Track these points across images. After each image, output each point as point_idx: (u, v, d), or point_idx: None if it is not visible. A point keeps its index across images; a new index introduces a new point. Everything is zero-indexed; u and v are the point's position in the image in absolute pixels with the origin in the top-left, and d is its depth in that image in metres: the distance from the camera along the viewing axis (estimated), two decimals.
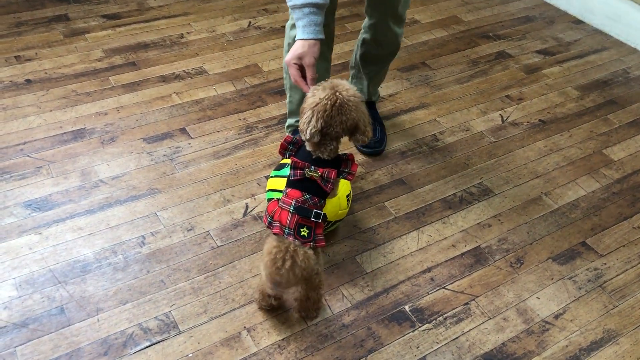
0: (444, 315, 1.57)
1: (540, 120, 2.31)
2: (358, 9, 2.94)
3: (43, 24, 2.57)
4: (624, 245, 1.81)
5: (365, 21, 1.90)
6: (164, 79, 2.33)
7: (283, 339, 1.48)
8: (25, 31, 2.52)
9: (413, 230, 1.81)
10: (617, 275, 1.71)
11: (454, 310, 1.58)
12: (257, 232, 1.73)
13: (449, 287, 1.64)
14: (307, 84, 1.47)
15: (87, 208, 1.76)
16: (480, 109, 2.35)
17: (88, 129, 2.04)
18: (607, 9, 2.90)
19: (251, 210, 1.80)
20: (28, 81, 2.24)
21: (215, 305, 1.54)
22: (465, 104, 2.37)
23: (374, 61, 1.99)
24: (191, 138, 2.05)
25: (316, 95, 1.37)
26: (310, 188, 1.41)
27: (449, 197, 1.93)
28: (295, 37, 1.57)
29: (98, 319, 1.48)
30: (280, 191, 1.57)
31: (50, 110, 2.11)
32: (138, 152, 1.98)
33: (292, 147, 1.46)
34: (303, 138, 1.40)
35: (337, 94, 1.35)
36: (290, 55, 1.47)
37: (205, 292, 1.57)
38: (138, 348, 1.43)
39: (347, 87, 1.38)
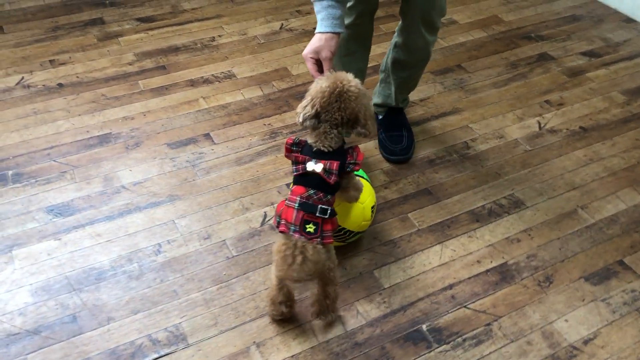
0: (464, 336, 1.49)
1: (581, 127, 2.18)
2: (394, 9, 2.86)
3: (79, 28, 2.62)
4: None
5: (399, 24, 1.83)
6: (193, 83, 2.32)
7: (292, 356, 1.44)
8: (62, 35, 2.56)
9: (436, 244, 1.73)
10: None
11: (475, 332, 1.50)
12: (272, 242, 1.70)
13: (471, 306, 1.56)
14: None
15: (107, 214, 1.77)
16: (517, 114, 2.24)
17: (114, 134, 2.06)
18: None
19: (269, 220, 1.77)
20: (60, 85, 2.27)
21: (226, 318, 1.51)
22: (501, 110, 2.26)
23: (403, 67, 1.91)
24: (214, 144, 2.03)
25: (319, 83, 1.38)
26: (313, 182, 1.38)
27: (477, 209, 1.84)
28: None
29: (109, 329, 1.48)
30: None
31: (79, 115, 2.13)
32: (161, 157, 1.97)
33: (295, 147, 1.44)
34: (298, 123, 1.39)
35: (339, 82, 1.36)
36: (307, 49, 1.47)
37: (217, 304, 1.54)
38: (145, 359, 1.42)
39: (349, 79, 1.38)
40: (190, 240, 1.71)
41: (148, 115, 2.15)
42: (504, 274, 1.65)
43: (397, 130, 2.02)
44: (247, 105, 2.22)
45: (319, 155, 1.39)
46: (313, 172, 1.38)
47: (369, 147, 2.05)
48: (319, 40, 1.44)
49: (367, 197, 1.61)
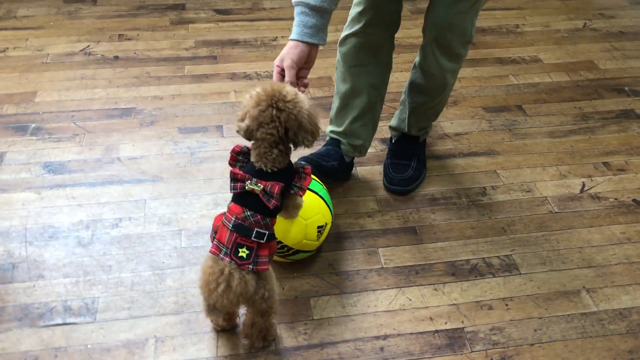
0: None
1: (634, 200, 1.83)
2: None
3: (160, 10, 2.76)
4: None
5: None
6: (232, 77, 2.33)
7: None
8: (142, 14, 2.72)
9: (393, 288, 1.54)
10: None
11: None
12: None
13: None
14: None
15: (90, 181, 1.83)
16: (561, 170, 1.93)
17: (137, 109, 2.13)
18: None
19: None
20: (116, 57, 2.41)
21: (141, 305, 1.47)
22: (544, 162, 1.97)
23: (419, 92, 1.75)
24: (222, 137, 2.02)
25: (248, 93, 1.26)
26: (252, 204, 1.25)
27: (459, 263, 1.62)
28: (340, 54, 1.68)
29: (34, 285, 1.51)
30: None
31: (117, 87, 2.24)
32: (167, 139, 2.00)
33: (242, 157, 1.33)
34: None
35: (270, 92, 1.22)
36: (277, 58, 1.38)
37: (140, 289, 1.51)
38: (49, 323, 1.42)
39: (285, 87, 1.25)
40: (150, 223, 1.70)
41: (176, 99, 2.20)
42: (453, 340, 1.42)
43: (404, 159, 1.85)
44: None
45: (260, 175, 1.26)
46: (252, 192, 1.25)
47: (374, 171, 1.90)
48: (287, 47, 1.35)
49: (314, 214, 1.48)
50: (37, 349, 1.37)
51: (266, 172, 1.26)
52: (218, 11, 2.78)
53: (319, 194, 1.54)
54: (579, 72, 2.44)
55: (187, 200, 1.78)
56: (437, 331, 1.44)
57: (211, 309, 1.31)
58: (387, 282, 1.56)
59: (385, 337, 1.42)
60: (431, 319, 1.47)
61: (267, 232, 1.25)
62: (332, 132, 1.82)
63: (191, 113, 2.13)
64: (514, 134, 2.09)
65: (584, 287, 1.56)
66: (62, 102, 2.15)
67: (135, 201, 1.77)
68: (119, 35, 2.56)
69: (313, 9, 1.33)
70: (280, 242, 1.46)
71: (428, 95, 1.74)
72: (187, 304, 1.49)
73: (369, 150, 1.97)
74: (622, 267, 1.62)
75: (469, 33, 1.60)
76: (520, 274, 1.59)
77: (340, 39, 1.69)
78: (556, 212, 1.78)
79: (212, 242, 1.29)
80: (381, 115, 1.81)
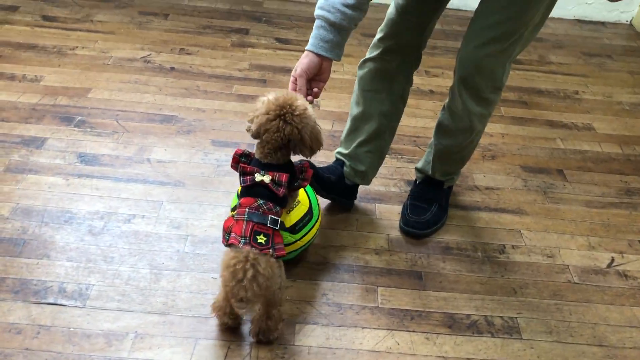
0: None
1: None
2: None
3: (224, 32, 2.88)
4: None
5: None
6: None
7: None
8: (206, 33, 2.84)
9: (384, 329, 1.49)
10: None
11: None
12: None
13: None
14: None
15: (117, 176, 1.89)
16: (591, 241, 1.83)
17: (178, 118, 2.20)
18: None
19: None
20: (172, 68, 2.52)
21: (130, 300, 1.49)
22: (574, 230, 1.87)
23: (445, 133, 1.71)
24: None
25: (263, 98, 1.34)
26: (262, 193, 1.34)
27: (459, 316, 1.54)
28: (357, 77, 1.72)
29: (38, 263, 1.57)
30: None
31: (165, 95, 2.33)
32: (197, 149, 2.05)
33: (244, 159, 1.40)
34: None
35: (282, 100, 1.30)
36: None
37: (134, 285, 1.53)
38: (41, 301, 1.46)
39: (297, 98, 1.31)
40: (161, 224, 1.73)
41: (217, 113, 2.26)
42: None
43: (424, 203, 1.80)
44: None
45: (268, 167, 1.35)
46: (262, 183, 1.33)
47: (393, 210, 1.87)
48: (301, 57, 1.39)
49: (294, 212, 1.53)
50: (24, 322, 1.41)
51: (272, 165, 1.35)
52: (278, 40, 2.86)
53: (313, 203, 1.60)
54: (633, 146, 2.33)
55: (201, 209, 1.80)
56: None
57: (239, 303, 1.27)
58: (379, 322, 1.51)
59: None
60: None
61: (279, 219, 1.32)
62: (338, 153, 1.83)
63: (228, 128, 2.18)
64: (549, 197, 2.00)
65: None
66: (111, 101, 2.26)
67: (153, 201, 1.81)
68: (180, 49, 2.67)
69: (332, 25, 1.36)
70: None
71: (454, 138, 1.70)
72: (175, 307, 1.49)
73: (392, 190, 1.95)
74: (637, 352, 1.49)
75: (499, 78, 1.56)
76: (522, 339, 1.50)
77: (360, 62, 1.71)
78: (575, 283, 1.68)
79: (224, 244, 1.32)
80: (412, 158, 1.78)
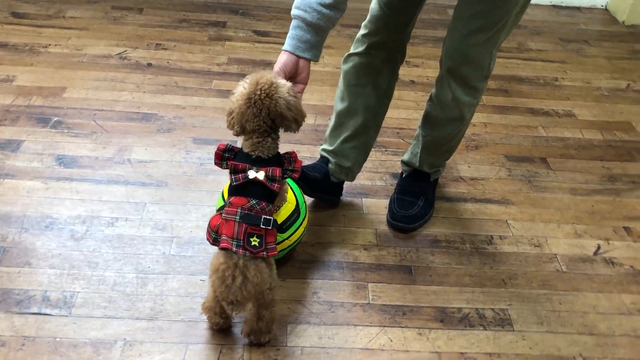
0: None
1: None
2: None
3: (201, 25, 2.82)
4: None
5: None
6: None
7: None
8: (182, 27, 2.78)
9: (376, 326, 1.48)
10: None
11: None
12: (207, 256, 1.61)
13: None
14: None
15: (97, 178, 1.84)
16: (577, 229, 1.84)
17: (157, 116, 2.16)
18: None
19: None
20: (149, 64, 2.46)
21: (118, 306, 1.46)
22: (560, 218, 1.88)
23: (433, 124, 1.70)
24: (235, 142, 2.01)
25: (236, 94, 1.31)
26: (255, 192, 1.30)
27: (451, 310, 1.54)
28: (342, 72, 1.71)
29: (20, 272, 1.52)
30: None
31: (144, 92, 2.28)
32: (179, 147, 2.01)
33: (228, 154, 1.35)
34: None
35: (252, 85, 1.27)
36: None
37: (120, 290, 1.50)
38: (25, 311, 1.42)
39: (263, 77, 1.27)
40: (145, 226, 1.70)
41: (197, 110, 2.21)
42: None
43: (411, 197, 1.79)
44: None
45: (259, 163, 1.31)
46: (255, 181, 1.29)
47: (379, 205, 1.85)
48: (279, 56, 1.37)
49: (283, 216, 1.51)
50: (7, 334, 1.37)
51: (262, 159, 1.30)
52: (256, 32, 2.82)
53: (299, 199, 1.58)
54: (613, 131, 2.35)
55: (185, 209, 1.77)
56: None
57: (228, 306, 1.29)
58: (371, 319, 1.50)
59: None
60: None
61: (272, 218, 1.29)
62: (323, 150, 1.81)
63: (209, 125, 2.14)
64: (533, 186, 2.01)
65: (580, 354, 1.46)
66: (88, 100, 2.20)
67: (136, 203, 1.77)
68: (157, 44, 2.62)
69: (309, 24, 1.33)
70: None
71: (443, 128, 1.69)
72: (163, 311, 1.46)
73: (378, 183, 1.93)
74: (626, 339, 1.51)
75: (486, 67, 1.55)
76: (514, 330, 1.50)
77: (344, 57, 1.69)
78: (564, 272, 1.69)
79: (210, 242, 1.30)
80: (397, 150, 1.77)
